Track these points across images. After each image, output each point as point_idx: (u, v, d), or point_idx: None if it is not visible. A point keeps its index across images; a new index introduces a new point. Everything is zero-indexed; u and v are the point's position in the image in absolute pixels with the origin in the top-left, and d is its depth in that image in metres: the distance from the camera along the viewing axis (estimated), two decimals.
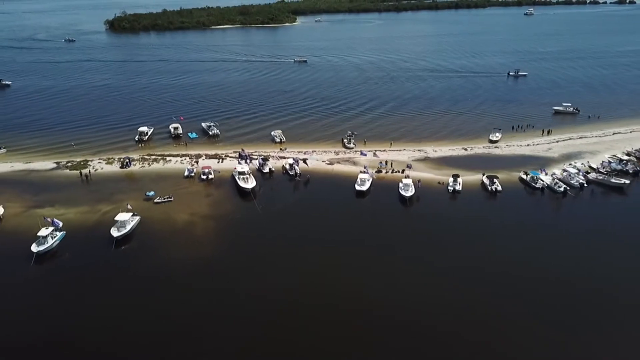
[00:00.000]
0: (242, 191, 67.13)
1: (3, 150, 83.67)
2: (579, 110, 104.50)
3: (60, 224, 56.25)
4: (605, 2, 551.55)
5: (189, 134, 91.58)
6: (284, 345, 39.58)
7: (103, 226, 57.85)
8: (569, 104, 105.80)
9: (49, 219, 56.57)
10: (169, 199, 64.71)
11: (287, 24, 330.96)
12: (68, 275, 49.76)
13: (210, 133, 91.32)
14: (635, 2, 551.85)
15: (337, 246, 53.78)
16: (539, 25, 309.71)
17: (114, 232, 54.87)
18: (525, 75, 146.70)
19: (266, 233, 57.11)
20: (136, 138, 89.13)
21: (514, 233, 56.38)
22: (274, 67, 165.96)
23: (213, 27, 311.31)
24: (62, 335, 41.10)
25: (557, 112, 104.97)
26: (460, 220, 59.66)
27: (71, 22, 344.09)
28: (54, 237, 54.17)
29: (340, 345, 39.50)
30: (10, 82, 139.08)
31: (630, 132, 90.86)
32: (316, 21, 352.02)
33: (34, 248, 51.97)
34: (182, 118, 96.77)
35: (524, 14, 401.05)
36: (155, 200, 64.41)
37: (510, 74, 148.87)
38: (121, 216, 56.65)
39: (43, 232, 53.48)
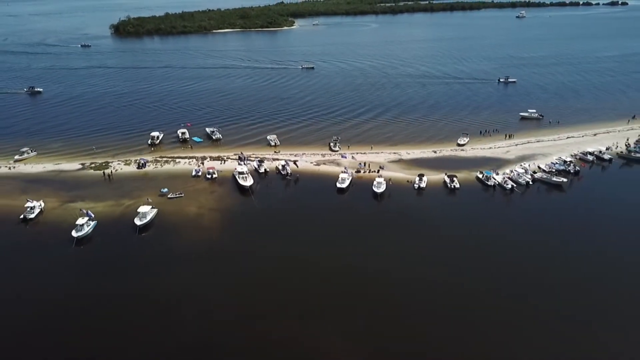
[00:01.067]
0: (241, 188, 79.72)
1: (34, 153, 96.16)
2: (542, 116, 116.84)
3: (93, 215, 68.96)
4: (598, 4, 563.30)
5: (195, 138, 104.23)
6: (274, 301, 52.10)
7: (127, 217, 70.52)
8: (534, 110, 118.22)
9: (84, 211, 69.31)
10: (180, 195, 77.35)
11: (285, 27, 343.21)
12: (101, 255, 62.29)
13: (214, 137, 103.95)
14: (627, 4, 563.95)
15: (319, 232, 66.30)
16: (528, 29, 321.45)
17: (137, 221, 67.51)
18: (514, 82, 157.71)
19: (261, 222, 69.70)
20: (149, 142, 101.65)
21: (466, 223, 68.80)
22: (275, 74, 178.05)
23: (214, 31, 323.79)
24: (97, 299, 53.61)
25: (523, 118, 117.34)
26: (422, 212, 72.25)
27: (77, 26, 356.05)
28: (89, 225, 66.75)
29: (321, 298, 52.05)
30: (42, 89, 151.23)
31: (582, 136, 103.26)
32: (313, 25, 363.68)
33: (74, 233, 64.56)
34: (189, 124, 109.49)
35: (516, 17, 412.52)
36: (168, 196, 77.01)
37: (501, 80, 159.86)
38: (142, 208, 69.33)
39: (80, 221, 66.15)
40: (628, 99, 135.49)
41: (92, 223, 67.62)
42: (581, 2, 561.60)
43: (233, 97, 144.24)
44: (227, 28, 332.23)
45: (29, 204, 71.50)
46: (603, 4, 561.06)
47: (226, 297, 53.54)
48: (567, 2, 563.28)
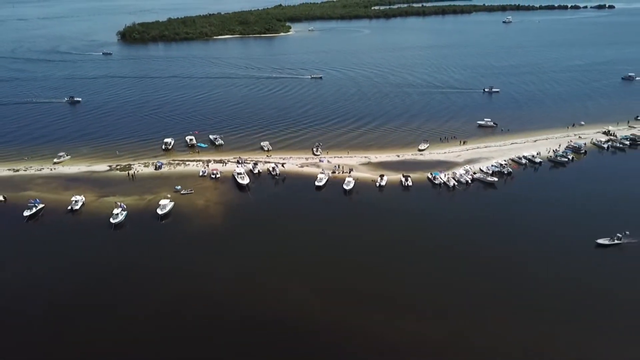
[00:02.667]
0: (239, 186, 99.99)
1: (68, 157, 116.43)
2: (496, 124, 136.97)
3: (125, 206, 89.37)
4: (586, 7, 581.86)
5: (200, 144, 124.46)
6: (265, 265, 72.41)
7: (150, 208, 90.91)
8: (489, 119, 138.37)
9: (118, 203, 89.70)
10: (191, 191, 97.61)
11: (282, 33, 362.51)
12: (133, 236, 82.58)
13: (217, 143, 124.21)
14: (614, 7, 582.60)
15: (300, 219, 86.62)
16: (511, 36, 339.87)
17: (159, 211, 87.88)
18: (498, 92, 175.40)
19: (255, 212, 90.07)
20: (163, 147, 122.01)
21: (414, 213, 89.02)
22: (272, 84, 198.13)
23: (215, 37, 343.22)
24: (132, 266, 73.93)
25: (480, 126, 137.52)
26: (380, 204, 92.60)
27: (86, 32, 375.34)
28: (122, 214, 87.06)
29: (299, 263, 72.32)
30: (80, 99, 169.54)
31: (524, 142, 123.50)
32: (309, 30, 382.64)
33: (112, 220, 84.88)
34: (197, 132, 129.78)
35: (503, 22, 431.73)
36: (181, 192, 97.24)
37: (485, 90, 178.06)
38: (162, 201, 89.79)
39: (116, 211, 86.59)
40: (574, 107, 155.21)
41: (125, 213, 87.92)
42: (569, 6, 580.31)
43: (234, 106, 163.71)
44: (227, 34, 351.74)
45: (74, 198, 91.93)
46: (591, 7, 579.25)
47: (227, 265, 73.79)
48: (556, 5, 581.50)
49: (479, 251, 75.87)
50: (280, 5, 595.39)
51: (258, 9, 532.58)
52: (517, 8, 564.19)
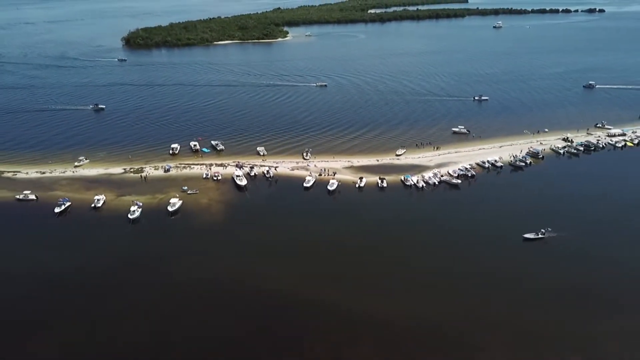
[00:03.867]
0: (238, 187, 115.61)
1: (87, 161, 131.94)
2: (469, 131, 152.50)
3: (141, 204, 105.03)
4: (577, 11, 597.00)
5: (204, 149, 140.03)
6: (260, 250, 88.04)
7: (161, 206, 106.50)
8: (462, 127, 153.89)
9: (135, 201, 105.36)
10: (196, 192, 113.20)
11: (279, 39, 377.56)
12: (147, 230, 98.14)
13: (218, 149, 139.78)
14: (604, 11, 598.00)
15: (290, 215, 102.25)
16: (502, 42, 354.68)
17: (169, 208, 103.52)
18: (487, 100, 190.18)
19: (252, 210, 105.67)
20: (170, 152, 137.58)
21: (387, 209, 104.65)
22: (270, 92, 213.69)
23: (215, 42, 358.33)
24: (147, 254, 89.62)
25: (454, 133, 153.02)
26: (358, 202, 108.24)
27: (92, 37, 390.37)
28: (138, 211, 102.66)
29: (291, 249, 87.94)
30: (104, 106, 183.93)
31: (491, 148, 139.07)
32: (306, 35, 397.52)
33: (130, 216, 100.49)
34: (200, 138, 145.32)
35: (493, 27, 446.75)
36: (188, 192, 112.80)
37: (475, 98, 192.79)
38: (172, 200, 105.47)
39: (132, 208, 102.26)
40: (543, 115, 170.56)
41: (140, 209, 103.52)
42: (560, 10, 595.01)
43: (233, 114, 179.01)
44: (227, 39, 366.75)
45: (96, 197, 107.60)
46: (581, 11, 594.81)
47: (228, 253, 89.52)
48: (548, 9, 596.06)
49: (432, 240, 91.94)
50: (279, 8, 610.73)
51: (257, 13, 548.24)
52: (510, 12, 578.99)
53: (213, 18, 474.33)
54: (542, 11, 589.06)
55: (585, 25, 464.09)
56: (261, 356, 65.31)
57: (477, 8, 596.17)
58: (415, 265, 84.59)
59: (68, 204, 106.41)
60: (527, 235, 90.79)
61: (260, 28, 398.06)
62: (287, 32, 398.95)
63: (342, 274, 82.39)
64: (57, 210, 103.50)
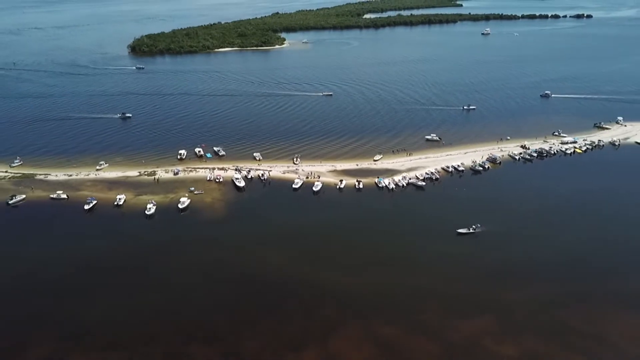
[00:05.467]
0: (237, 188, 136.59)
1: (106, 165, 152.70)
2: (441, 139, 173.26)
3: (155, 202, 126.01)
4: (565, 16, 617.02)
5: (207, 154, 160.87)
6: (256, 236, 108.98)
7: (172, 204, 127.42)
8: (434, 134, 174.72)
9: (150, 200, 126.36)
10: (202, 192, 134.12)
11: (277, 46, 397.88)
12: (161, 223, 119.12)
13: (220, 154, 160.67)
14: (592, 16, 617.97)
15: (280, 211, 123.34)
16: (488, 51, 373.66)
17: (180, 206, 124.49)
18: (474, 109, 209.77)
19: (249, 207, 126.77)
20: (178, 157, 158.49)
21: (361, 205, 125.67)
22: (269, 102, 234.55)
23: (216, 50, 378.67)
24: (164, 243, 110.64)
25: (427, 140, 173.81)
26: (338, 201, 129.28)
27: (99, 43, 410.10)
28: (153, 208, 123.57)
29: (282, 237, 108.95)
30: (131, 115, 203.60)
31: (457, 154, 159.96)
32: (303, 42, 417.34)
33: (147, 212, 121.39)
34: (204, 145, 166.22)
35: (482, 34, 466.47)
36: (195, 192, 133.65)
37: (464, 107, 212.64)
38: (182, 199, 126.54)
39: (149, 205, 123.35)
40: (508, 123, 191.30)
41: (155, 207, 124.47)
42: (549, 15, 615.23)
43: (233, 121, 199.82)
44: (227, 47, 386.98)
45: (118, 196, 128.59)
46: (570, 17, 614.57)
47: (229, 241, 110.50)
48: (537, 14, 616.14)
49: (390, 231, 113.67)
50: (277, 13, 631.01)
51: (256, 18, 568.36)
52: (500, 17, 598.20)
53: (213, 24, 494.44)
54: (532, 17, 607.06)
55: (570, 32, 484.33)
56: (253, 313, 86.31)
57: (469, 13, 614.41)
58: (375, 249, 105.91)
59: (95, 202, 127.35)
60: (460, 230, 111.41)
61: (259, 35, 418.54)
62: (284, 39, 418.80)
63: (319, 256, 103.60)
64: (86, 207, 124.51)
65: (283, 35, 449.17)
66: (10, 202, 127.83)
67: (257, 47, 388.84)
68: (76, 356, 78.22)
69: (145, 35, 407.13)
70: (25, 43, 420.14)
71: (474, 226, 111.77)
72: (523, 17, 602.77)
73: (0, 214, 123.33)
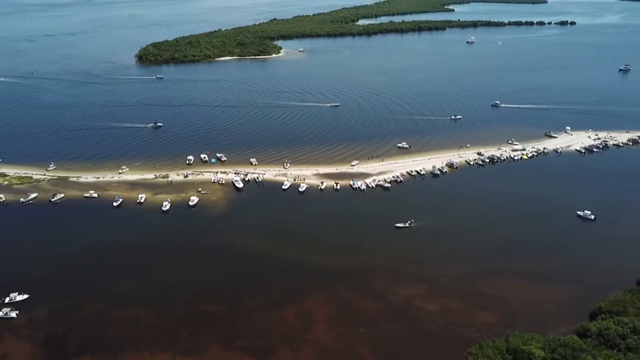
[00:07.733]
0: (237, 188, 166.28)
1: (127, 169, 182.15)
2: (410, 147, 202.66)
3: (170, 200, 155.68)
4: (550, 23, 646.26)
5: (212, 160, 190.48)
6: (253, 228, 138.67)
7: (184, 202, 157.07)
8: (405, 142, 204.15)
9: (166, 198, 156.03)
10: (207, 192, 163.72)
11: (273, 55, 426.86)
12: (175, 217, 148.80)
13: (222, 160, 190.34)
14: (575, 23, 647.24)
15: (272, 208, 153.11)
16: (471, 60, 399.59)
17: (190, 203, 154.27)
18: (460, 118, 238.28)
19: (246, 205, 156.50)
20: (186, 162, 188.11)
21: (337, 204, 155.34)
22: (269, 112, 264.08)
23: (217, 59, 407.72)
24: (178, 234, 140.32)
25: (399, 147, 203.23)
26: (320, 200, 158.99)
27: (107, 51, 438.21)
28: (168, 205, 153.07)
29: (277, 230, 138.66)
30: (162, 124, 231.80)
31: (422, 159, 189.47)
32: (299, 51, 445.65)
33: (163, 208, 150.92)
34: (208, 152, 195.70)
35: (466, 42, 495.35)
36: (202, 192, 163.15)
37: (451, 117, 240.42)
38: (192, 198, 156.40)
39: (164, 203, 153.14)
40: (470, 131, 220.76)
41: (169, 204, 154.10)
42: (535, 22, 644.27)
43: (233, 130, 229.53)
44: (227, 55, 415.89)
45: (139, 195, 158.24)
46: (554, 24, 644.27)
47: (230, 231, 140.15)
48: (523, 21, 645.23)
49: (352, 224, 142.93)
50: (275, 19, 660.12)
51: (255, 24, 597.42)
52: (488, 24, 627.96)
53: (214, 31, 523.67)
54: (518, 23, 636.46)
55: (551, 40, 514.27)
56: (248, 282, 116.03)
57: (459, 20, 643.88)
58: (342, 237, 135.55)
59: (121, 200, 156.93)
60: (397, 224, 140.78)
61: (257, 44, 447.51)
62: (281, 48, 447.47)
63: (300, 242, 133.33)
64: (114, 204, 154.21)
65: (280, 43, 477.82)
66: (53, 199, 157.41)
67: (255, 56, 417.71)
68: (119, 312, 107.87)
69: (151, 44, 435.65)
70: (39, 50, 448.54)
71: (409, 221, 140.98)
72: (509, 24, 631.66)
73: (46, 210, 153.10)
